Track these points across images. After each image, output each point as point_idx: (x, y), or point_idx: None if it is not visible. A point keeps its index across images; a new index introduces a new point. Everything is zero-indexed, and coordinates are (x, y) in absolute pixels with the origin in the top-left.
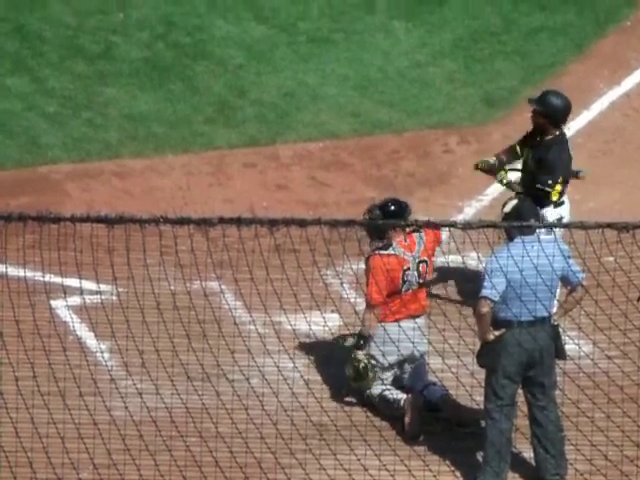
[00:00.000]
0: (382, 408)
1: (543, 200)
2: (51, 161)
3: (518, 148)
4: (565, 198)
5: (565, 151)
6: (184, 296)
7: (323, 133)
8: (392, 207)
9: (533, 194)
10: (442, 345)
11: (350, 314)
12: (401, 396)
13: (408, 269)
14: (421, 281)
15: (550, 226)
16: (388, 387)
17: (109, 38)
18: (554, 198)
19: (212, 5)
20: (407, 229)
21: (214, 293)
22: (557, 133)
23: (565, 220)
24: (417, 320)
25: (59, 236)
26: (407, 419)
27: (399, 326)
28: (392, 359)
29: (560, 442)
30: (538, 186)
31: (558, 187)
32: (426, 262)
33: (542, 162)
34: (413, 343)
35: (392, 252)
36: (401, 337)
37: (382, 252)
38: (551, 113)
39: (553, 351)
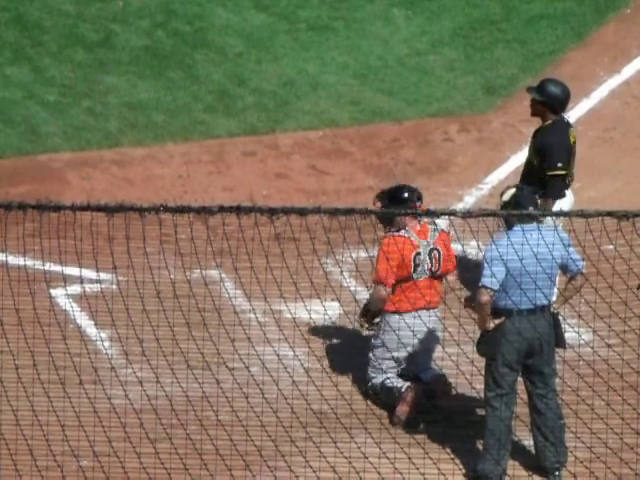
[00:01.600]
0: (384, 397)
1: (558, 186)
2: (51, 149)
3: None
4: (568, 191)
5: (566, 135)
6: (184, 284)
7: (323, 121)
8: (405, 194)
9: (535, 185)
10: (442, 333)
11: (350, 302)
12: (402, 384)
13: (419, 253)
14: (433, 269)
15: (550, 215)
16: (389, 376)
17: (109, 26)
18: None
19: None
20: (421, 219)
21: (214, 281)
22: (556, 118)
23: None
24: (430, 312)
25: (59, 225)
26: (399, 407)
27: (413, 316)
28: (401, 354)
29: (560, 430)
30: (549, 173)
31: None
32: (438, 251)
33: (543, 148)
34: (413, 333)
35: (406, 235)
36: (410, 330)
37: (395, 234)
38: (550, 102)
39: (553, 339)
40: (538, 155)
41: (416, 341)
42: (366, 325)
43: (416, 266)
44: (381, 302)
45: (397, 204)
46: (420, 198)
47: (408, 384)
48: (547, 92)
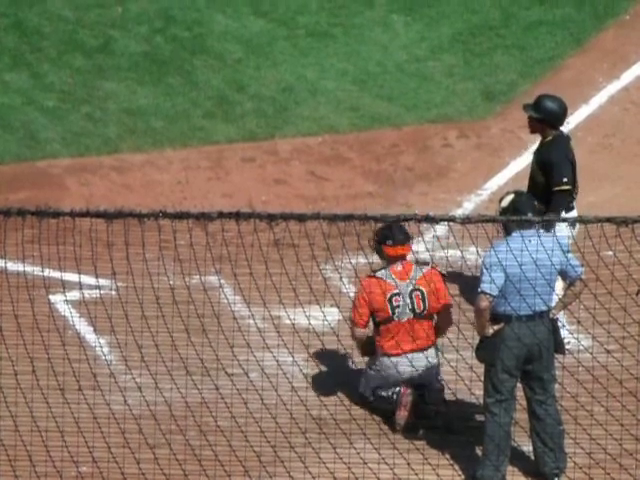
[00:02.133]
0: (377, 405)
1: (563, 201)
2: (50, 155)
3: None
4: (574, 203)
5: (568, 149)
6: (183, 290)
7: (322, 127)
8: (392, 232)
9: (541, 200)
10: (441, 339)
11: (349, 308)
12: (395, 389)
13: (397, 294)
14: (418, 310)
15: (549, 220)
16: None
17: (108, 32)
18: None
19: None
20: (406, 260)
21: (213, 287)
22: (556, 133)
23: (576, 228)
24: (420, 354)
25: (58, 231)
26: (398, 412)
27: (396, 361)
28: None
29: (559, 436)
30: (555, 189)
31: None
32: (421, 291)
33: (547, 164)
34: (412, 364)
35: (380, 276)
36: (400, 370)
37: (371, 275)
38: (548, 118)
39: (552, 345)
40: (542, 171)
41: (407, 379)
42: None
43: (394, 307)
44: (359, 341)
45: (385, 242)
46: (409, 238)
47: (399, 389)
48: (544, 109)
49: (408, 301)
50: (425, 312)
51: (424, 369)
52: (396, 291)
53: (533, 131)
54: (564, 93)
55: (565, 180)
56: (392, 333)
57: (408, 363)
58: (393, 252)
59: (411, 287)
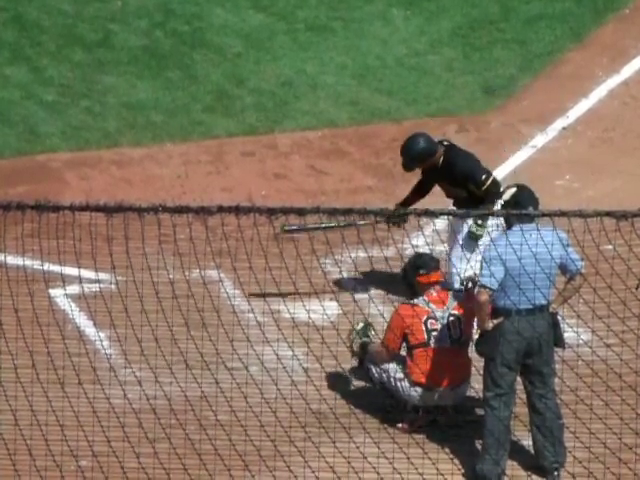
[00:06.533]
0: (379, 388)
1: (495, 194)
2: (50, 150)
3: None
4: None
5: (462, 152)
6: (183, 284)
7: (322, 122)
8: (423, 260)
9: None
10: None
11: (349, 302)
12: (408, 402)
13: (433, 318)
14: (455, 337)
15: (549, 215)
16: (395, 377)
17: (107, 26)
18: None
19: None
20: (440, 287)
21: (213, 281)
22: (442, 149)
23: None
24: (457, 390)
25: (58, 225)
26: (402, 424)
27: (435, 393)
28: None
29: (559, 430)
30: (484, 189)
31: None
32: (458, 317)
33: (459, 176)
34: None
35: (416, 303)
36: (425, 401)
37: (408, 301)
38: (426, 153)
39: (552, 339)
40: (460, 186)
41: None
42: (356, 355)
43: (430, 331)
44: (380, 361)
45: (417, 270)
46: (439, 264)
47: (416, 414)
48: (416, 153)
49: (446, 327)
50: (462, 339)
51: (450, 403)
52: (432, 314)
53: (429, 168)
54: (563, 87)
55: (484, 176)
56: (428, 359)
57: (436, 397)
58: (426, 280)
59: (447, 313)
